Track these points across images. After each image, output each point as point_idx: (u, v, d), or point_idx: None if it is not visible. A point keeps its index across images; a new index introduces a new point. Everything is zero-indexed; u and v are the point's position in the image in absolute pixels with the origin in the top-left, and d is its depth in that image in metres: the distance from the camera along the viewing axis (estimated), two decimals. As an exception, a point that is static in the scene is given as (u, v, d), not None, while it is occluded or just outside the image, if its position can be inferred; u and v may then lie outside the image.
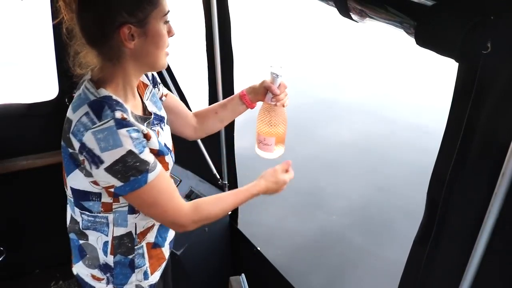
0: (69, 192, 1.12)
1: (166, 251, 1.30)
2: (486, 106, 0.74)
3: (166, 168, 1.13)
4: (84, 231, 1.15)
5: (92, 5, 0.98)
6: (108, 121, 0.96)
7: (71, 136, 1.00)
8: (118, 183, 0.98)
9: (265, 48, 8.46)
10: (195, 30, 2.47)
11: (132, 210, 1.12)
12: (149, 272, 1.24)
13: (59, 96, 2.22)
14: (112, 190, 1.01)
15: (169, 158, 1.15)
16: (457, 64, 0.80)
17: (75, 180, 1.06)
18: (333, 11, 1.03)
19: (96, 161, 0.96)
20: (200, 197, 2.11)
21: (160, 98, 1.31)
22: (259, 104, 1.35)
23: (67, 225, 1.21)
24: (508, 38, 0.70)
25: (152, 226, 1.20)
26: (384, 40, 8.30)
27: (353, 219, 3.67)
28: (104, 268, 1.18)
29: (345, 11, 0.97)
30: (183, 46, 6.40)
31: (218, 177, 2.18)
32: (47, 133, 2.22)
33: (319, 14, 8.94)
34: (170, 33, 1.07)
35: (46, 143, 2.17)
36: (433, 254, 0.90)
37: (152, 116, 1.16)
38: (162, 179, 1.05)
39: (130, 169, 0.97)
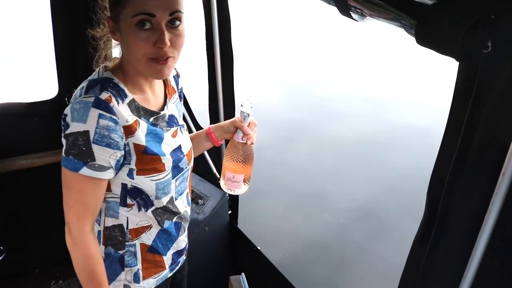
0: None
1: (168, 261, 1.27)
2: (486, 105, 0.74)
3: (162, 169, 1.11)
4: None
5: None
6: (90, 96, 0.98)
7: None
8: (63, 153, 1.00)
9: (265, 48, 8.45)
10: (195, 30, 2.47)
11: (124, 203, 1.12)
12: (141, 275, 1.21)
13: (59, 95, 2.22)
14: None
15: (168, 160, 1.13)
16: (457, 63, 0.80)
17: None
18: (333, 10, 1.03)
19: (65, 127, 0.99)
20: (200, 196, 2.13)
21: None
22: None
23: None
24: (509, 38, 0.70)
25: (149, 226, 1.18)
26: (384, 39, 8.29)
27: (354, 220, 3.67)
28: None
29: (345, 10, 0.97)
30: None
31: (218, 176, 2.18)
32: (47, 132, 2.22)
33: (319, 13, 8.93)
34: (156, 43, 0.98)
35: (46, 142, 2.17)
36: (433, 254, 0.90)
37: (167, 115, 1.17)
38: (95, 185, 1.02)
39: (74, 148, 0.97)
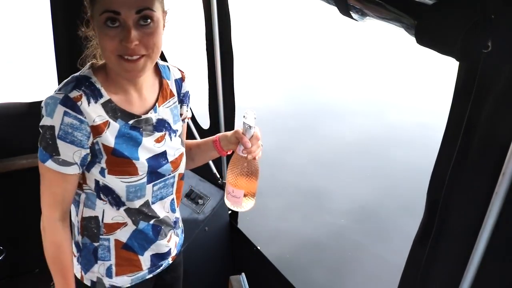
0: None
1: (145, 262, 1.24)
2: (486, 105, 0.74)
3: (134, 173, 1.09)
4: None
5: None
6: (61, 93, 1.01)
7: None
8: (38, 143, 1.04)
9: (265, 48, 8.46)
10: (195, 30, 2.47)
11: (99, 196, 1.12)
12: (113, 270, 1.20)
13: (59, 95, 2.21)
14: None
15: (142, 165, 1.10)
16: (457, 63, 0.80)
17: None
18: (333, 10, 1.03)
19: (41, 118, 1.03)
20: (200, 196, 2.13)
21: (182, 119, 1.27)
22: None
23: None
24: (509, 37, 0.70)
25: (124, 224, 1.16)
26: (384, 39, 8.29)
27: (354, 220, 3.67)
28: (76, 246, 1.21)
29: (345, 10, 0.96)
30: (182, 45, 6.40)
31: (218, 176, 2.18)
32: (47, 133, 2.22)
33: (319, 13, 8.93)
34: (122, 40, 0.96)
35: (46, 142, 2.16)
36: (433, 254, 0.89)
37: (153, 119, 1.13)
38: (61, 178, 1.06)
39: (43, 140, 1.02)
